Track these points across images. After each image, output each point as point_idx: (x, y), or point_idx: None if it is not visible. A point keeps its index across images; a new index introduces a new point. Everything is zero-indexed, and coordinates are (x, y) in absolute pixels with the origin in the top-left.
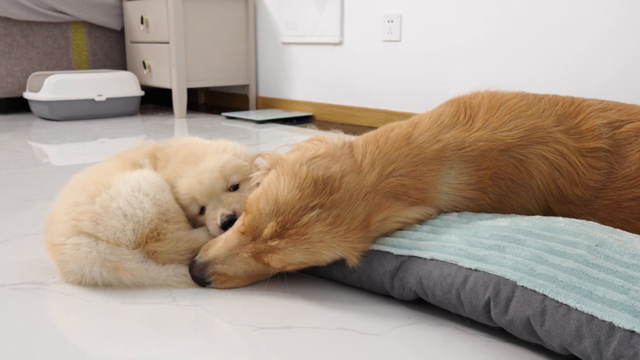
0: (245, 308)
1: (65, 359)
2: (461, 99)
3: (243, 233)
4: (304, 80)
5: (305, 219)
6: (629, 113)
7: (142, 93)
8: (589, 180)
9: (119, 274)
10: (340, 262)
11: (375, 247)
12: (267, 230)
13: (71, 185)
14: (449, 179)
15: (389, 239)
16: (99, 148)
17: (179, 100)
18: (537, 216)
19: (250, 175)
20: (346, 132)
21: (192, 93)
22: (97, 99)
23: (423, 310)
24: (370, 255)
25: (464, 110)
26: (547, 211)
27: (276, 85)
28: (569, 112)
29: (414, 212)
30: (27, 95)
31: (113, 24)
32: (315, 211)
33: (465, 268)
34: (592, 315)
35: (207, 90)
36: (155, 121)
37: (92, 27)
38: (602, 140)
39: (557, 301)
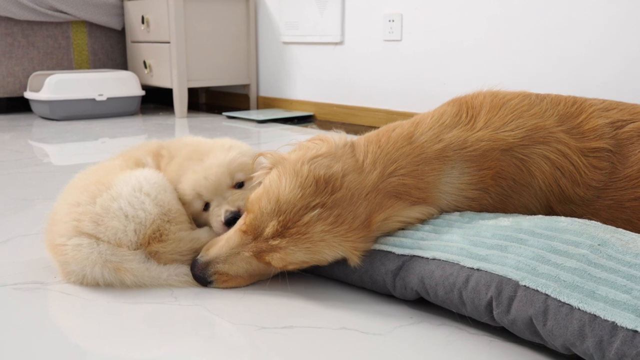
0: (247, 308)
1: (67, 359)
2: (463, 99)
3: (244, 232)
4: (305, 80)
5: (306, 218)
6: (631, 113)
7: (142, 93)
8: (590, 180)
9: (120, 274)
10: (342, 262)
11: (377, 246)
12: (269, 230)
13: (73, 184)
14: (451, 179)
15: (390, 239)
16: (100, 148)
17: (180, 100)
18: (539, 216)
19: (252, 175)
20: (347, 131)
21: (193, 93)
22: (98, 98)
23: (425, 310)
24: (372, 255)
25: (465, 110)
26: (549, 211)
27: (277, 85)
28: (571, 111)
29: (416, 212)
30: (28, 95)
31: (114, 23)
32: (317, 210)
33: (468, 267)
34: (595, 315)
35: (207, 90)
36: (156, 121)
37: (92, 27)
38: (604, 140)
39: (559, 301)
